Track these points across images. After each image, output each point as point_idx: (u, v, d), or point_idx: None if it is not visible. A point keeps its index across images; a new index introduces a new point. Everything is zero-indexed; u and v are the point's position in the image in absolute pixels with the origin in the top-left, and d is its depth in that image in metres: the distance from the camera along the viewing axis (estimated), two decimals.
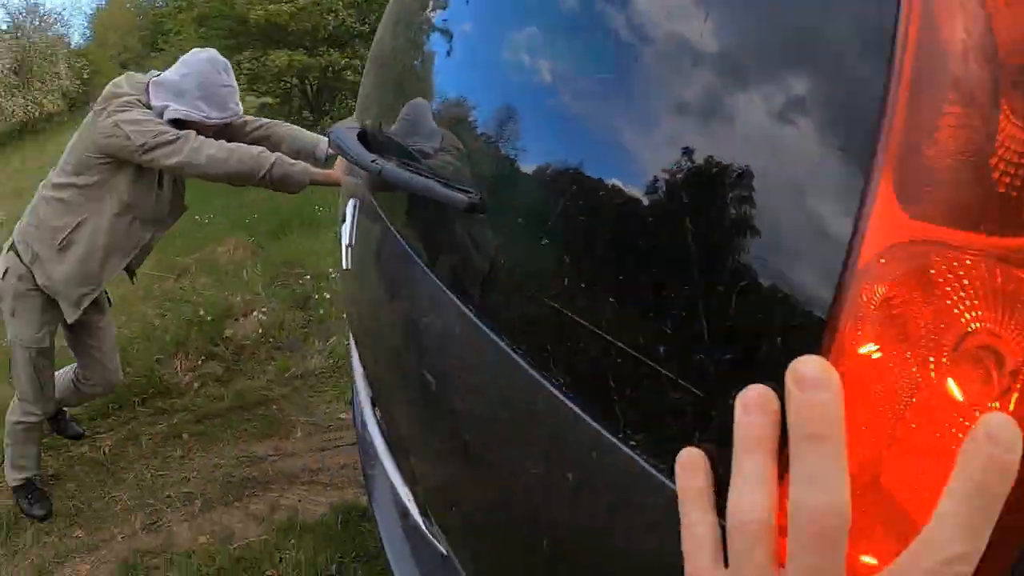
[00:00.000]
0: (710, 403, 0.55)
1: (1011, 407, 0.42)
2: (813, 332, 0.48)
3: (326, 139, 2.59)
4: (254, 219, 5.83)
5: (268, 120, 2.76)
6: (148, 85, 2.45)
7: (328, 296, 4.26)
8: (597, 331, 0.66)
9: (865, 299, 0.46)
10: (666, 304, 0.60)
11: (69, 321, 2.65)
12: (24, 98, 21.65)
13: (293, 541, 2.64)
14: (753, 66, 0.57)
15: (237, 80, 2.60)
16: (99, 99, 2.40)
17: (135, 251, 2.65)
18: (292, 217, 5.92)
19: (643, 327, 0.62)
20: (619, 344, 0.63)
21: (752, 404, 0.44)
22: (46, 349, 2.74)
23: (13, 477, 2.98)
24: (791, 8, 0.55)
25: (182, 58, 2.48)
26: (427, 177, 1.03)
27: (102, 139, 2.35)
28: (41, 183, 2.65)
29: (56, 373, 2.96)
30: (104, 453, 3.34)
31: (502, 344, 0.83)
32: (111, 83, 2.47)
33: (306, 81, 8.23)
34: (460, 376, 1.01)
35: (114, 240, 2.54)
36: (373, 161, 1.19)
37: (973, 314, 0.43)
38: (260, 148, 2.42)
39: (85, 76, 23.29)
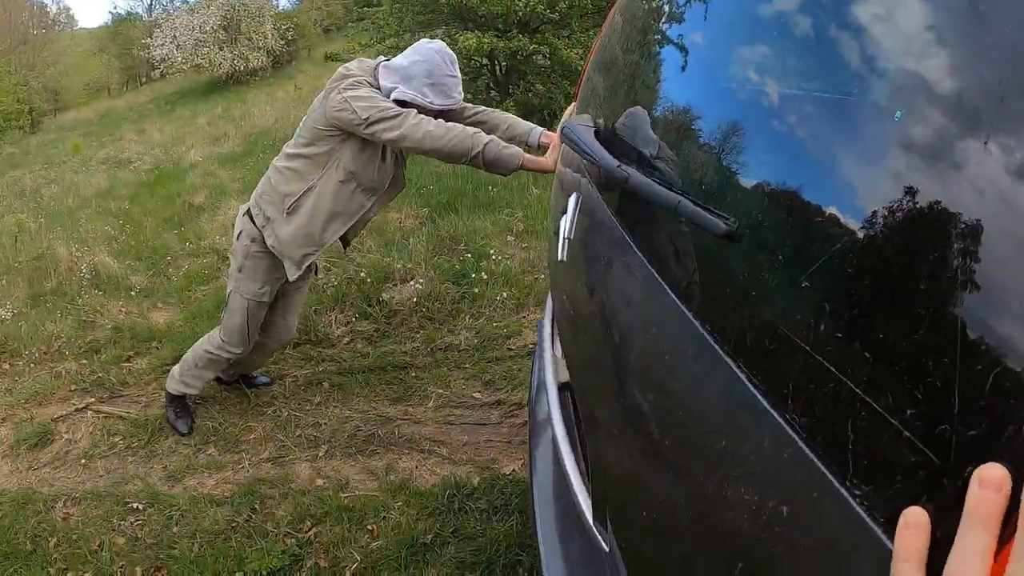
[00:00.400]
0: (946, 471, 0.55)
1: None
2: None
3: (541, 129, 2.76)
4: (429, 191, 6.07)
5: (486, 107, 2.96)
6: (377, 69, 2.73)
7: (485, 276, 4.37)
8: (846, 380, 0.66)
9: None
10: (922, 369, 0.59)
11: (291, 279, 2.95)
12: (231, 52, 23.45)
13: (400, 504, 2.77)
14: None
15: None
16: (331, 79, 2.69)
17: (355, 218, 2.90)
18: (465, 194, 6.12)
19: (895, 387, 0.62)
20: (867, 398, 0.64)
21: (990, 481, 0.48)
22: (263, 303, 3.08)
23: (174, 387, 3.36)
24: None
25: (413, 46, 2.73)
26: (679, 194, 1.00)
27: (332, 112, 2.62)
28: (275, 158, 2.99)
29: None
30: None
31: (738, 372, 0.82)
32: (342, 66, 2.75)
33: (495, 62, 8.46)
34: (681, 394, 1.00)
35: (337, 205, 2.82)
36: (618, 166, 1.18)
37: None
38: (475, 129, 2.58)
39: (289, 37, 24.97)
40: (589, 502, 1.37)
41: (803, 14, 0.91)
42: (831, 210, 0.74)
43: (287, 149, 2.88)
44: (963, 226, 0.58)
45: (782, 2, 0.97)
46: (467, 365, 3.69)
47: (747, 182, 0.93)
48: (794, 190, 0.81)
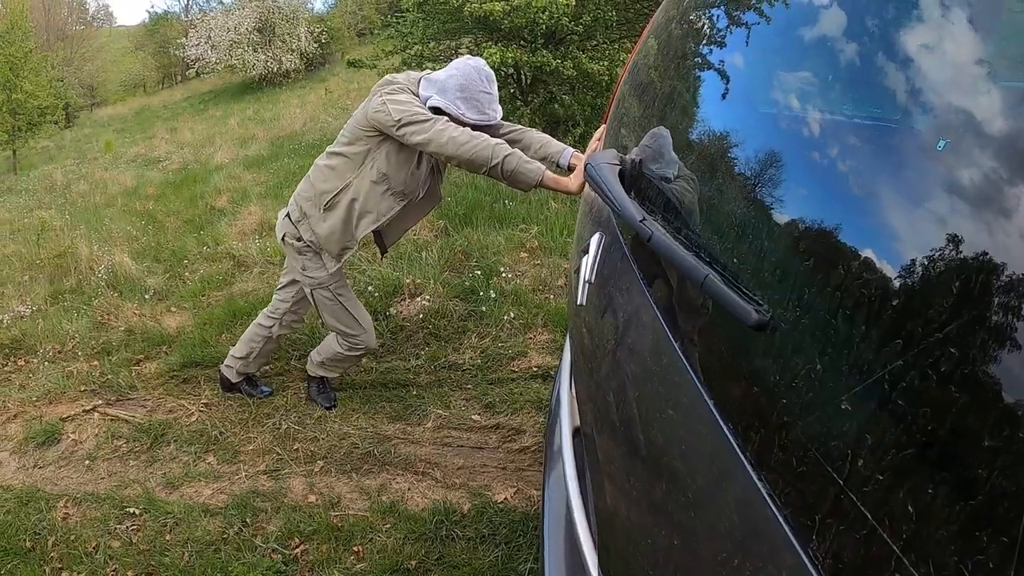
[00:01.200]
0: None
1: None
2: None
3: (572, 150, 2.80)
4: (448, 203, 6.07)
5: (522, 127, 3.03)
6: (420, 80, 2.90)
7: (494, 294, 4.38)
8: (883, 533, 0.57)
9: None
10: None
11: (331, 271, 3.12)
12: (264, 54, 23.66)
13: (388, 526, 2.79)
14: None
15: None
16: (376, 85, 2.90)
17: (384, 218, 3.04)
18: (482, 207, 6.14)
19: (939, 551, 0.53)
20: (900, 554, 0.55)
21: None
22: (343, 282, 3.25)
23: (315, 371, 3.60)
24: None
25: (454, 62, 2.88)
26: (708, 265, 0.89)
27: (372, 113, 2.81)
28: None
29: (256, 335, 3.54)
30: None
31: (745, 462, 0.75)
32: (387, 76, 2.94)
33: (521, 72, 8.48)
34: (688, 466, 0.91)
35: (368, 204, 2.99)
36: (642, 221, 1.08)
37: None
38: (499, 141, 2.66)
39: (323, 40, 25.15)
40: (594, 551, 1.33)
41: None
42: (890, 307, 0.62)
43: (329, 149, 3.07)
44: None
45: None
46: (469, 386, 3.70)
47: (793, 262, 0.80)
48: (846, 277, 0.69)
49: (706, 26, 1.33)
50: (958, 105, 0.64)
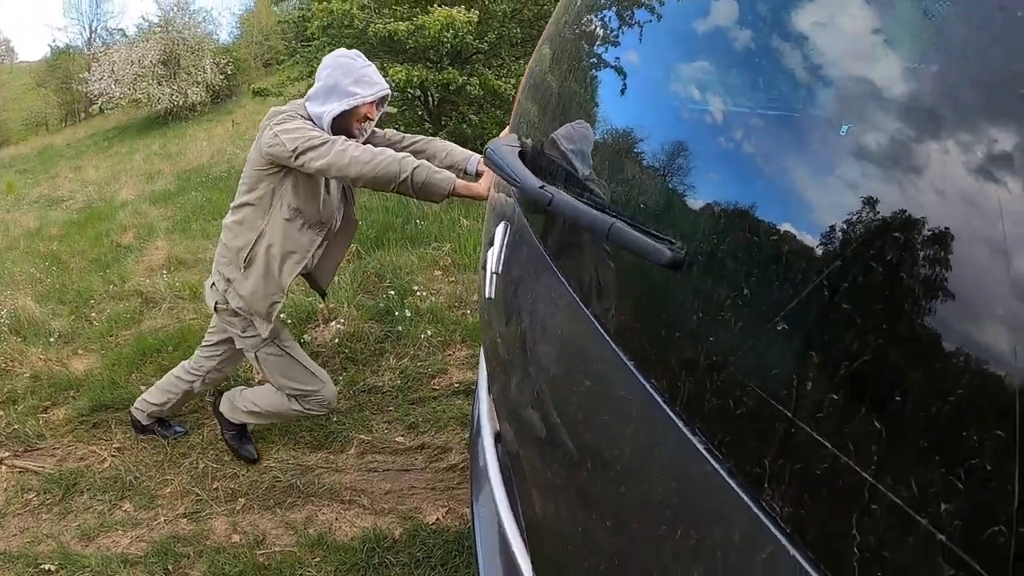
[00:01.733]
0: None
1: None
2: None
3: (478, 156, 2.73)
4: (359, 225, 5.93)
5: (424, 136, 2.94)
6: (304, 104, 2.72)
7: (409, 314, 4.29)
8: (849, 463, 0.53)
9: None
10: (966, 447, 0.46)
11: (265, 335, 2.88)
12: (170, 87, 23.07)
13: (317, 560, 2.67)
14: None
15: None
16: (264, 119, 2.69)
17: (308, 254, 2.85)
18: (394, 228, 6.05)
19: (923, 474, 0.48)
20: (877, 485, 0.50)
21: None
22: (282, 330, 3.01)
23: (239, 417, 3.26)
24: None
25: (319, 67, 2.73)
26: (614, 216, 0.87)
27: (266, 149, 2.60)
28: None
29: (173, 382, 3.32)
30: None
31: (675, 418, 0.71)
32: (272, 107, 2.75)
33: (428, 93, 8.42)
34: (613, 441, 0.88)
35: (287, 244, 2.78)
36: (541, 187, 1.07)
37: None
38: (405, 154, 2.53)
39: (229, 72, 24.64)
40: (529, 561, 1.23)
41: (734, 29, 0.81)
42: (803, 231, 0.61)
43: (232, 204, 2.85)
44: (929, 233, 0.47)
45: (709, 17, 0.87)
46: (390, 408, 3.59)
47: (696, 200, 0.78)
48: (753, 213, 0.68)
49: (597, 28, 1.30)
50: (855, 91, 0.61)
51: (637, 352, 0.82)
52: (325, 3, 7.96)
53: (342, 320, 4.33)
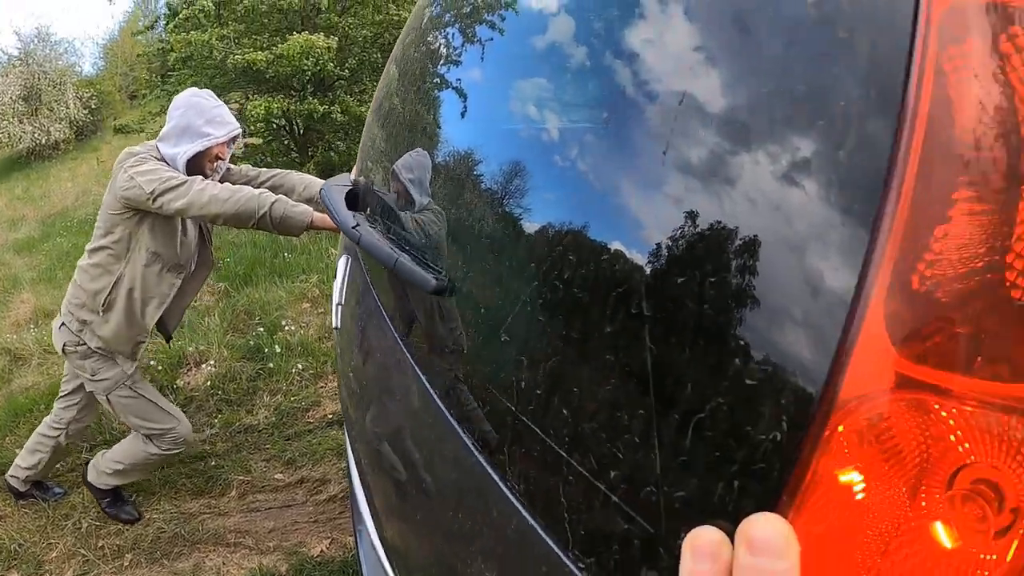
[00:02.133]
0: (661, 540, 0.51)
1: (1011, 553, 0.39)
2: (783, 468, 0.44)
3: None
4: (227, 263, 5.91)
5: (281, 171, 2.93)
6: (157, 145, 2.67)
7: (279, 349, 4.31)
8: (550, 442, 0.62)
9: (842, 437, 0.42)
10: (622, 426, 0.55)
11: (129, 372, 2.85)
12: (32, 125, 21.94)
13: None
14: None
15: None
16: (117, 161, 2.63)
17: (168, 298, 2.82)
18: (262, 263, 6.00)
19: (597, 447, 0.58)
20: (570, 459, 0.60)
21: (702, 550, 0.39)
22: (136, 378, 2.94)
23: (105, 481, 3.18)
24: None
25: (169, 108, 2.71)
26: (401, 251, 0.98)
27: (121, 192, 2.55)
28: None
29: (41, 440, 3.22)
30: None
31: (463, 436, 0.79)
32: (126, 149, 2.70)
33: (293, 122, 8.32)
34: (420, 456, 0.96)
35: (146, 289, 2.75)
36: (354, 227, 1.17)
37: (966, 456, 0.40)
38: (263, 190, 2.53)
39: (93, 106, 23.56)
40: None
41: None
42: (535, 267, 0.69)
43: (88, 246, 2.79)
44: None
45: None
46: (267, 445, 3.62)
47: (463, 236, 0.89)
48: (512, 248, 0.77)
49: (433, 49, 1.34)
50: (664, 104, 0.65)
51: (427, 369, 0.94)
52: (184, 34, 7.78)
53: (213, 362, 4.31)
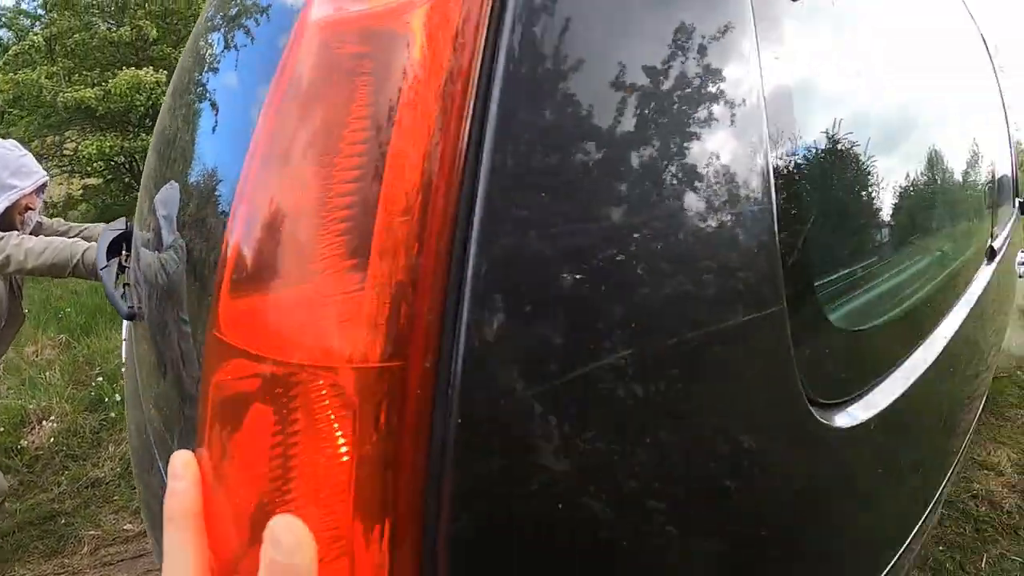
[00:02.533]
0: None
1: None
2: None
3: None
4: (67, 313, 5.76)
5: (91, 224, 2.88)
6: None
7: (119, 398, 4.27)
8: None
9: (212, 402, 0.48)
10: None
11: None
12: None
13: None
14: None
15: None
16: None
17: None
18: (103, 312, 5.86)
19: None
20: None
21: (174, 473, 0.43)
22: None
23: None
24: None
25: None
26: (125, 288, 1.08)
27: None
28: None
29: None
30: None
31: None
32: None
33: (134, 159, 8.09)
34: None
35: None
36: (103, 268, 1.26)
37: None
38: (76, 239, 2.48)
39: None
40: None
41: None
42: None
43: None
44: None
45: None
46: (115, 497, 3.59)
47: (153, 266, 0.98)
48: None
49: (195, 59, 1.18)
50: None
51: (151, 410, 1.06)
52: (11, 73, 7.45)
53: (55, 418, 4.21)
